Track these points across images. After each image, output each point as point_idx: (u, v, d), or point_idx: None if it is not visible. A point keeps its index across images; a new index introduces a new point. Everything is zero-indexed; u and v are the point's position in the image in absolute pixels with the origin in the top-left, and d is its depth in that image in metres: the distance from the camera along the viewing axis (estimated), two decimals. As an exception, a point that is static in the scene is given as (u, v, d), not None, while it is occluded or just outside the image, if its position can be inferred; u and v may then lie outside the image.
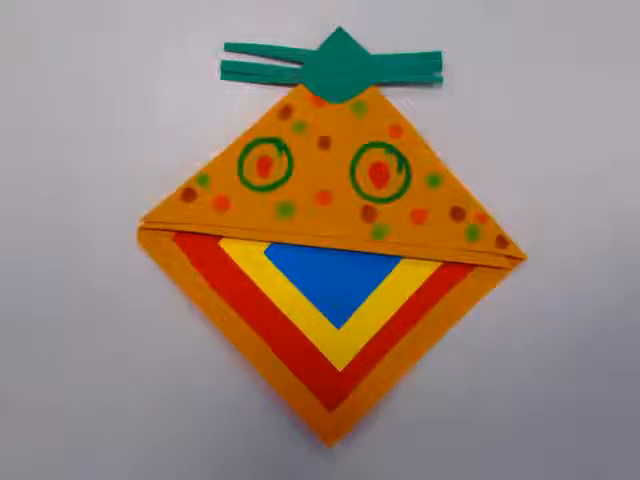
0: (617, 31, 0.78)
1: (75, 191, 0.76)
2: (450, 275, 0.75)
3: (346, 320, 0.74)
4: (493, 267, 0.75)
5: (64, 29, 0.78)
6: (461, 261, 0.74)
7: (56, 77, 0.78)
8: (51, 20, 0.78)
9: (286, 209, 0.74)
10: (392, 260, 0.75)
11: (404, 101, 0.76)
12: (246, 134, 0.75)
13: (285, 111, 0.76)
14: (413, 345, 0.74)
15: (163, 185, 0.75)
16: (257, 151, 0.75)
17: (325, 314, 0.74)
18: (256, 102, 0.76)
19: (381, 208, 0.75)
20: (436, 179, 0.75)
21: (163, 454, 0.75)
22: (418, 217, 0.74)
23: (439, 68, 0.76)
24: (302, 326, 0.74)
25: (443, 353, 0.75)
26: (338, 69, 0.76)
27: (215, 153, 0.75)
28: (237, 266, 0.75)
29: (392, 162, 0.75)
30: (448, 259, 0.74)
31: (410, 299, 0.75)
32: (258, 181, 0.75)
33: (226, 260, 0.75)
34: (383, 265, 0.75)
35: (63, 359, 0.75)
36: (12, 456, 0.75)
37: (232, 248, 0.75)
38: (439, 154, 0.75)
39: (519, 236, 0.74)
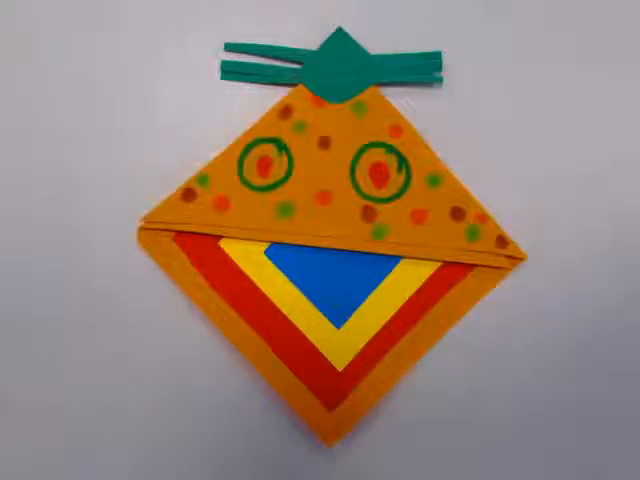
0: (617, 31, 0.78)
1: (75, 191, 0.76)
2: (450, 275, 0.75)
3: (346, 320, 0.74)
4: (493, 267, 0.75)
5: (64, 29, 0.78)
6: (461, 261, 0.74)
7: (56, 77, 0.78)
8: (51, 20, 0.78)
9: (286, 209, 0.74)
10: (392, 260, 0.75)
11: (404, 101, 0.76)
12: (246, 134, 0.75)
13: (285, 111, 0.76)
14: (413, 345, 0.74)
15: (163, 185, 0.75)
16: (257, 151, 0.75)
17: (325, 314, 0.74)
18: (256, 102, 0.76)
19: (381, 208, 0.75)
20: (436, 179, 0.75)
21: (163, 454, 0.75)
22: (418, 217, 0.74)
23: (439, 68, 0.76)
24: (302, 326, 0.74)
25: (443, 353, 0.75)
26: (338, 69, 0.76)
27: (215, 153, 0.75)
28: (237, 266, 0.75)
29: (392, 162, 0.75)
30: (448, 259, 0.74)
31: (410, 299, 0.75)
32: (258, 181, 0.75)
33: (226, 260, 0.75)
34: (383, 265, 0.75)
35: (63, 359, 0.75)
36: (12, 456, 0.75)
37: (232, 248, 0.75)
38: (439, 154, 0.75)
39: (519, 236, 0.74)
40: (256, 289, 0.75)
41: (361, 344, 0.74)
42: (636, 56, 0.78)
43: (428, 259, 0.75)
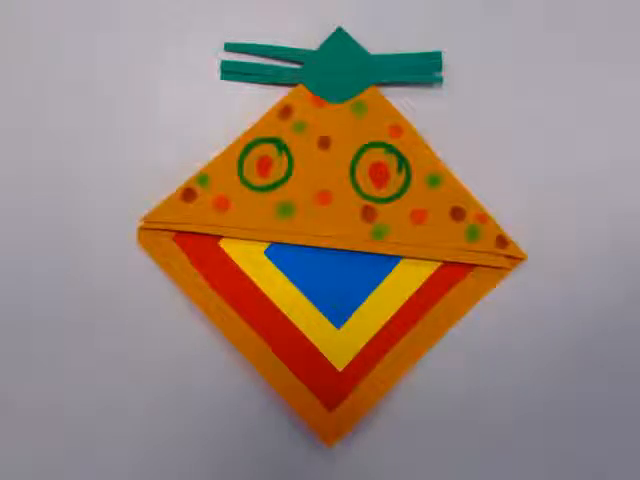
0: (617, 31, 0.78)
1: (75, 191, 0.76)
2: (450, 275, 0.75)
3: (346, 320, 0.74)
4: (493, 267, 0.75)
5: (64, 29, 0.78)
6: (461, 261, 0.74)
7: (56, 77, 0.78)
8: (51, 20, 0.78)
9: (286, 209, 0.74)
10: (392, 260, 0.75)
11: (404, 101, 0.76)
12: (246, 134, 0.75)
13: (285, 111, 0.76)
14: (413, 345, 0.74)
15: (163, 185, 0.75)
16: (257, 151, 0.75)
17: (325, 314, 0.74)
18: (256, 102, 0.76)
19: (381, 208, 0.75)
20: (436, 179, 0.75)
21: (163, 454, 0.75)
22: (418, 217, 0.74)
23: (439, 68, 0.76)
24: (302, 326, 0.74)
25: (443, 353, 0.75)
26: (338, 69, 0.76)
27: (215, 153, 0.75)
28: (237, 266, 0.75)
29: (392, 162, 0.75)
30: (448, 259, 0.74)
31: (410, 299, 0.75)
32: (258, 181, 0.75)
33: (226, 260, 0.75)
34: (383, 265, 0.75)
35: (63, 359, 0.75)
36: (12, 456, 0.75)
37: (232, 248, 0.75)
38: (439, 154, 0.75)
39: (519, 236, 0.74)
40: (256, 289, 0.75)
41: (361, 344, 0.74)
42: (636, 56, 0.78)
43: (428, 259, 0.75)
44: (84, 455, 0.75)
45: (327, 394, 0.73)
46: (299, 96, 0.76)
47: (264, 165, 0.75)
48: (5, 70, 0.78)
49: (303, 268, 0.75)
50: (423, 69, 0.76)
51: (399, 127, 0.75)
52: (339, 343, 0.74)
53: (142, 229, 0.75)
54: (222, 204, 0.74)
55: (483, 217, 0.74)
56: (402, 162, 0.75)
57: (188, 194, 0.74)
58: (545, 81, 0.77)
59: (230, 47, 0.77)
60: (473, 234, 0.74)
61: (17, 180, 0.76)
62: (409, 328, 0.74)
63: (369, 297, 0.75)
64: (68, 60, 0.78)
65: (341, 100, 0.76)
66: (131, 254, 0.75)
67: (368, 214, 0.75)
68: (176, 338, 0.75)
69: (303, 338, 0.74)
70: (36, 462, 0.75)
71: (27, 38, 0.78)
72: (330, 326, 0.74)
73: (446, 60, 0.77)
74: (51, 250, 0.76)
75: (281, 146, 0.75)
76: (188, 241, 0.75)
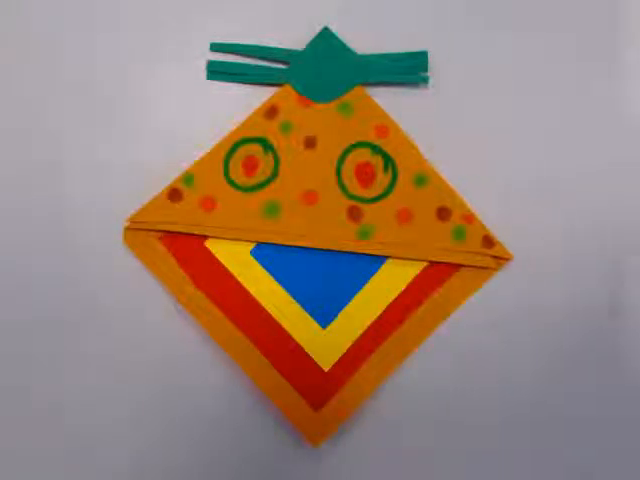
0: (617, 31, 0.77)
1: (60, 191, 0.76)
2: (436, 275, 0.75)
3: (332, 320, 0.74)
4: (479, 267, 0.74)
5: (64, 29, 0.79)
6: (447, 261, 0.74)
7: (56, 77, 0.78)
8: (51, 20, 0.79)
9: (272, 209, 0.75)
10: (378, 260, 0.75)
11: (390, 101, 0.76)
12: (232, 134, 0.76)
13: (271, 111, 0.76)
14: (399, 345, 0.74)
15: (149, 185, 0.75)
16: (243, 151, 0.75)
17: (311, 314, 0.75)
18: (242, 102, 0.76)
19: (367, 208, 0.74)
20: (422, 179, 0.74)
21: (149, 454, 0.75)
22: (404, 217, 0.74)
23: (425, 68, 0.76)
24: (288, 326, 0.75)
25: (429, 353, 0.75)
26: (324, 69, 0.76)
27: (201, 153, 0.75)
28: (223, 266, 0.75)
29: (378, 162, 0.75)
30: (434, 259, 0.74)
31: (396, 299, 0.75)
32: (244, 181, 0.75)
33: (212, 260, 0.75)
34: (369, 265, 0.75)
35: (63, 359, 0.76)
36: (12, 456, 0.76)
37: (218, 248, 0.75)
38: (425, 154, 0.75)
39: (505, 236, 0.74)
40: (242, 289, 0.75)
41: (347, 344, 0.74)
42: (636, 56, 0.77)
43: (414, 259, 0.75)
44: (84, 455, 0.76)
45: (313, 394, 0.74)
46: (285, 96, 0.76)
47: (250, 165, 0.75)
48: (5, 70, 0.78)
49: (289, 268, 0.75)
50: (409, 69, 0.76)
51: (385, 127, 0.75)
52: (325, 343, 0.74)
53: (128, 229, 0.75)
54: (208, 204, 0.75)
55: (469, 217, 0.74)
56: (388, 162, 0.75)
57: (174, 194, 0.75)
58: (531, 81, 0.77)
59: (216, 47, 0.77)
60: (459, 234, 0.74)
61: (16, 180, 0.77)
62: (395, 328, 0.74)
63: (355, 297, 0.75)
64: (68, 60, 0.78)
65: (327, 100, 0.76)
66: (117, 254, 0.76)
67: (354, 214, 0.74)
68: (162, 339, 0.75)
69: (289, 338, 0.74)
70: (36, 462, 0.76)
71: (27, 38, 0.79)
72: (316, 326, 0.74)
73: (432, 60, 0.76)
74: (37, 251, 0.76)
75: (267, 146, 0.75)
76: (174, 241, 0.75)
